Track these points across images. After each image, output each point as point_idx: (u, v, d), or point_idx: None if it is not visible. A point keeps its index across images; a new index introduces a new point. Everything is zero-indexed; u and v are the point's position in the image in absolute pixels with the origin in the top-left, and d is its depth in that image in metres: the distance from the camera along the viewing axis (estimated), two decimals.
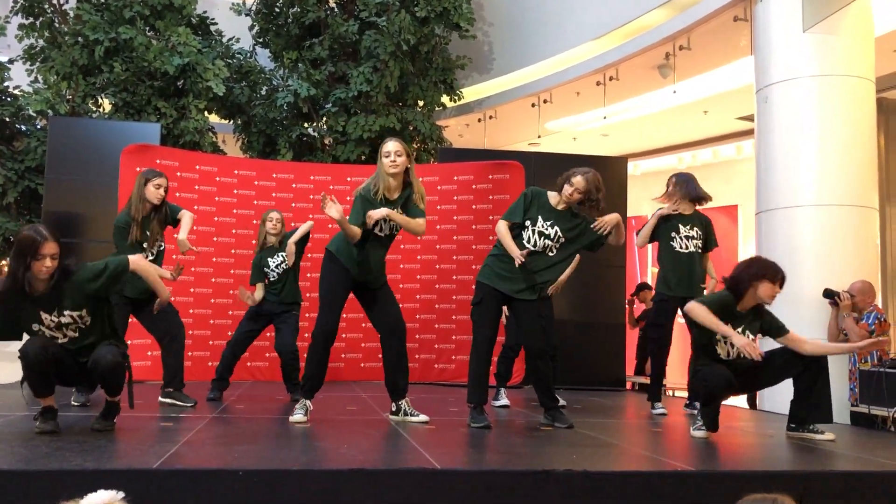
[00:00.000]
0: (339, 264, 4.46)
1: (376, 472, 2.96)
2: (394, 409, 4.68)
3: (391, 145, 4.41)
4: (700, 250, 5.56)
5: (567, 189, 4.48)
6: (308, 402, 4.47)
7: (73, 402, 4.87)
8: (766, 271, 4.16)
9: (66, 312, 3.57)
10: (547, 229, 4.50)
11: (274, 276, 5.80)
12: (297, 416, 4.37)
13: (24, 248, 3.40)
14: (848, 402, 5.69)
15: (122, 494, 1.79)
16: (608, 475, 3.12)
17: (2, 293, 3.49)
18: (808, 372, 4.29)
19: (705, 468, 3.39)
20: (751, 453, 4.05)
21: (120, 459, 3.08)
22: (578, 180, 4.45)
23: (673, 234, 5.51)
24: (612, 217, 4.48)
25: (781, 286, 4.20)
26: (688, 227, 5.53)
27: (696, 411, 5.31)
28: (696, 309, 4.19)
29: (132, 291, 4.84)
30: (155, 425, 4.17)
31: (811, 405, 4.33)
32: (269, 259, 5.81)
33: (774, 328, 4.36)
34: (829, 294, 5.70)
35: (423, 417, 4.59)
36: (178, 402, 5.02)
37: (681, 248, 5.50)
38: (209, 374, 7.31)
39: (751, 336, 4.30)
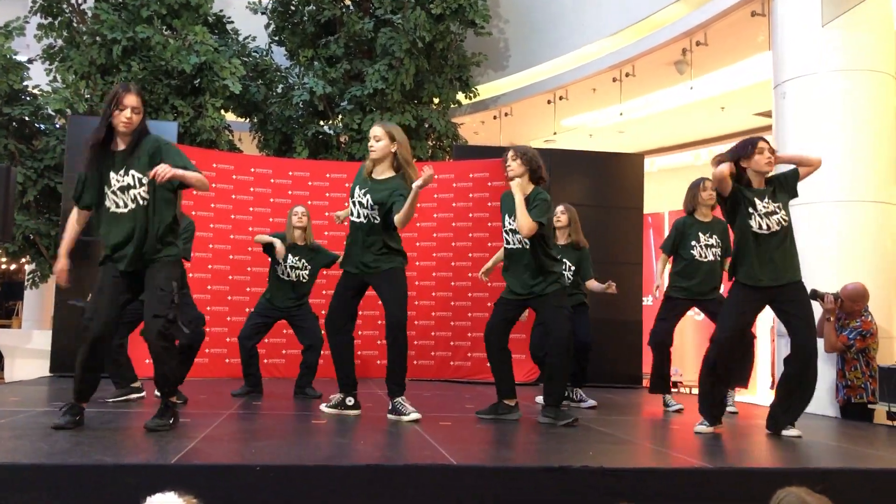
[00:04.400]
0: (344, 272, 4.64)
1: (393, 468, 2.96)
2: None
3: (372, 130, 4.54)
4: (720, 258, 5.53)
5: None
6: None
7: (108, 400, 4.92)
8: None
9: (131, 172, 3.62)
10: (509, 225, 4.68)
11: (285, 276, 5.86)
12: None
13: (109, 99, 3.62)
14: (836, 400, 5.71)
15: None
16: (625, 472, 3.11)
17: (91, 148, 3.65)
18: (796, 384, 4.31)
19: (722, 465, 3.37)
20: (768, 450, 4.02)
21: (138, 455, 3.10)
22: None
23: (693, 243, 5.49)
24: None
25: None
26: (707, 235, 5.50)
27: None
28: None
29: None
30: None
31: (788, 410, 4.35)
32: (288, 255, 5.84)
33: None
34: (814, 295, 5.60)
35: (412, 416, 4.45)
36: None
37: (700, 256, 5.49)
38: (226, 371, 7.39)
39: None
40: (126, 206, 3.65)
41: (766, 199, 4.28)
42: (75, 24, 9.92)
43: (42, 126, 9.83)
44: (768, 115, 7.46)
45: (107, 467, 2.77)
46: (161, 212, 3.69)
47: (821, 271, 6.00)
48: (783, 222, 4.26)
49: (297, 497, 2.79)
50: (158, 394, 3.84)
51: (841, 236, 6.14)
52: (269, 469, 2.81)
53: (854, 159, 6.20)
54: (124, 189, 3.64)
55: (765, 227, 4.25)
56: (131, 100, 3.61)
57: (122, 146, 3.67)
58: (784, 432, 4.30)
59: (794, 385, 4.31)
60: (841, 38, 6.28)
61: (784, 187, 4.35)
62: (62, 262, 3.76)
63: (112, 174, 3.64)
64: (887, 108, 6.37)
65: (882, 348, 5.79)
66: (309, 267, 5.90)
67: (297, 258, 5.87)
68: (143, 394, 5.17)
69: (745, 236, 4.30)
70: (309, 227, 5.96)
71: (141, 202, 3.65)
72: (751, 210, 4.27)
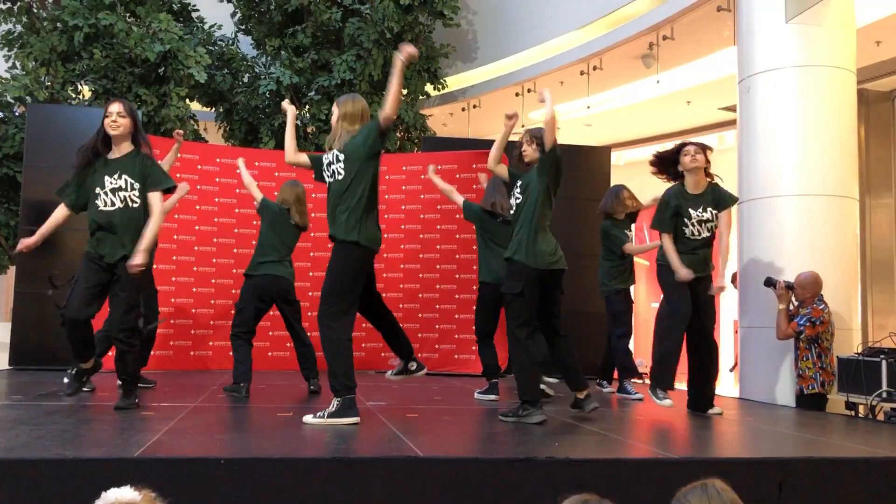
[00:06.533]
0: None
1: (359, 460, 2.95)
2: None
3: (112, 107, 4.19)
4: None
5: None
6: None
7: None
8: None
9: (124, 177, 4.13)
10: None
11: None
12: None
13: (104, 114, 4.16)
14: (793, 391, 5.82)
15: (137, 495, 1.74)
16: (590, 462, 3.13)
17: (82, 153, 4.15)
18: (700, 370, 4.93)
19: (687, 455, 3.41)
20: (731, 440, 4.08)
21: (99, 448, 3.06)
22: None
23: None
24: None
25: None
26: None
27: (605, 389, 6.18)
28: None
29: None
30: (136, 414, 4.14)
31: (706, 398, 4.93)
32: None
33: None
34: (768, 282, 5.77)
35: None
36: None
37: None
38: (190, 364, 7.31)
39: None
40: (115, 205, 4.11)
41: (700, 209, 4.83)
42: (35, 10, 9.70)
43: (1, 114, 9.61)
44: (733, 109, 7.55)
45: (67, 461, 2.72)
46: (143, 213, 4.18)
47: (780, 265, 6.10)
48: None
49: (262, 490, 2.77)
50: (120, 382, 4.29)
51: (801, 230, 6.24)
52: (233, 462, 2.79)
53: (814, 153, 6.29)
54: (115, 190, 4.10)
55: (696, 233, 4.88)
56: (115, 107, 4.14)
57: (116, 154, 4.16)
58: (710, 411, 4.82)
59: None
60: (804, 34, 6.37)
61: (720, 203, 4.88)
62: (34, 239, 4.16)
63: (106, 177, 4.13)
64: (848, 104, 6.47)
65: (842, 340, 5.89)
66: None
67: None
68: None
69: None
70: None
71: (130, 203, 4.13)
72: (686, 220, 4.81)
